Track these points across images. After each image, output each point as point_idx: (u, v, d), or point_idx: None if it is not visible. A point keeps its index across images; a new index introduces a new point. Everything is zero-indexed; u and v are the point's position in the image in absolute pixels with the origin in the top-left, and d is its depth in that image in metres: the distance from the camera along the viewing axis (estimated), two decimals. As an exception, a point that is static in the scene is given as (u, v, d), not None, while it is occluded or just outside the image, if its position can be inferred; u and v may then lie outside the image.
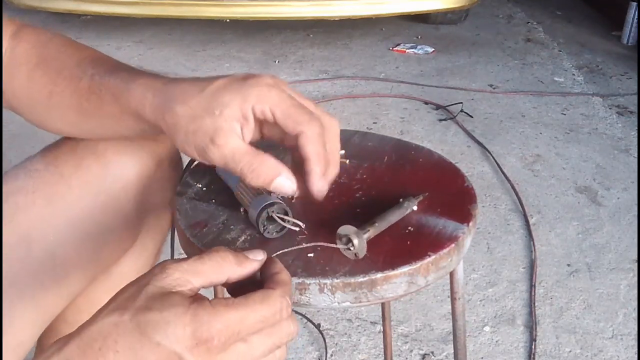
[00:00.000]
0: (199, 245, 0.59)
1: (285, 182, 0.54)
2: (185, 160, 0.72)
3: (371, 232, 0.58)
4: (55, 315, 0.70)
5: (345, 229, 0.56)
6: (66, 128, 0.66)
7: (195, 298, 0.43)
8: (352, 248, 0.56)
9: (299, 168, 0.55)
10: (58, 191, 0.66)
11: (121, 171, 0.68)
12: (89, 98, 0.61)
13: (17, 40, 0.66)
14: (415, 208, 0.63)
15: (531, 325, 1.38)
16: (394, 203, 0.63)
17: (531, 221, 1.75)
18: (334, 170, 0.57)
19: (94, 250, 0.69)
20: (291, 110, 0.53)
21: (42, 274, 0.65)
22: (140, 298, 0.42)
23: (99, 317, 0.42)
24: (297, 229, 0.58)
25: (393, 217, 0.61)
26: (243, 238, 0.60)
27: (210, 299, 0.43)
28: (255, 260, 0.48)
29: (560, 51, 3.27)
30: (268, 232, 0.59)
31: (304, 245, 0.57)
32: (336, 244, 0.57)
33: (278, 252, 0.55)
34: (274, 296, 0.44)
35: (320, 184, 0.55)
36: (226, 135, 0.52)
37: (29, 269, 0.64)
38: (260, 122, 0.56)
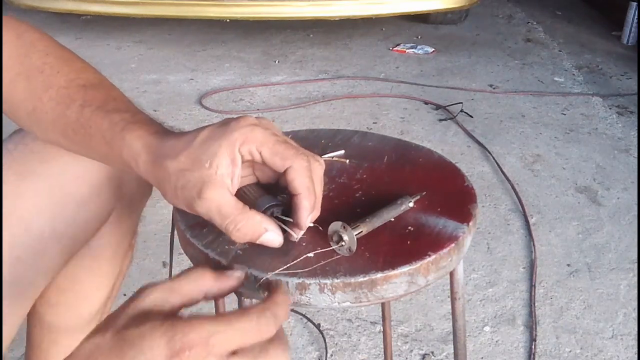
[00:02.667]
0: (199, 245, 0.59)
1: (270, 238, 0.54)
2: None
3: (362, 228, 0.58)
4: (37, 292, 0.70)
5: (333, 226, 0.56)
6: (49, 142, 0.66)
7: (174, 315, 0.44)
8: (344, 244, 0.56)
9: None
10: (29, 166, 0.67)
11: None
12: (76, 129, 0.59)
13: None
14: (410, 206, 0.63)
15: (531, 325, 1.38)
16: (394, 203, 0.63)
17: (531, 221, 1.75)
18: (316, 213, 0.57)
19: (68, 221, 0.69)
20: (277, 147, 0.53)
21: (18, 247, 0.65)
22: (120, 319, 0.44)
23: (85, 340, 0.44)
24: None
25: (387, 214, 0.61)
26: (243, 238, 0.59)
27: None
28: (233, 277, 0.49)
29: (560, 51, 3.27)
30: None
31: (296, 261, 0.56)
32: (329, 244, 0.57)
33: (272, 273, 0.55)
34: (252, 310, 0.44)
35: (308, 220, 0.55)
36: (214, 188, 0.52)
37: (5, 243, 0.64)
38: (252, 164, 0.57)
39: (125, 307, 0.44)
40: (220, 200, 0.52)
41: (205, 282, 0.48)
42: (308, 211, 0.55)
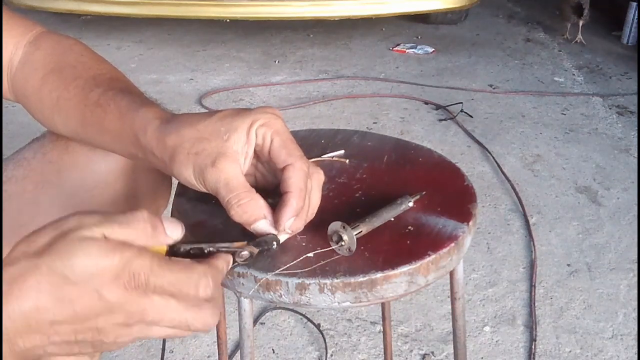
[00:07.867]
0: (198, 245, 0.59)
1: (266, 228, 0.55)
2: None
3: (362, 228, 0.58)
4: None
5: (333, 226, 0.56)
6: (67, 133, 0.67)
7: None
8: (344, 244, 0.56)
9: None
10: (47, 176, 0.68)
11: (107, 153, 0.68)
12: (94, 110, 0.61)
13: (35, 47, 0.68)
14: (410, 205, 0.63)
15: (531, 325, 1.38)
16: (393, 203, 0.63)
17: (531, 221, 1.75)
18: (309, 216, 0.58)
19: None
20: (288, 142, 0.55)
21: None
22: (50, 240, 0.42)
23: (10, 264, 0.41)
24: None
25: (386, 214, 0.61)
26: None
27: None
28: (169, 237, 0.47)
29: (560, 51, 3.27)
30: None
31: (295, 261, 0.56)
32: (329, 244, 0.57)
33: (272, 273, 0.54)
34: (197, 269, 0.45)
35: (290, 221, 0.55)
36: (228, 161, 0.53)
37: None
38: (255, 163, 0.58)
39: (48, 229, 0.43)
40: (231, 173, 0.53)
41: (142, 232, 0.46)
42: (292, 211, 0.54)
